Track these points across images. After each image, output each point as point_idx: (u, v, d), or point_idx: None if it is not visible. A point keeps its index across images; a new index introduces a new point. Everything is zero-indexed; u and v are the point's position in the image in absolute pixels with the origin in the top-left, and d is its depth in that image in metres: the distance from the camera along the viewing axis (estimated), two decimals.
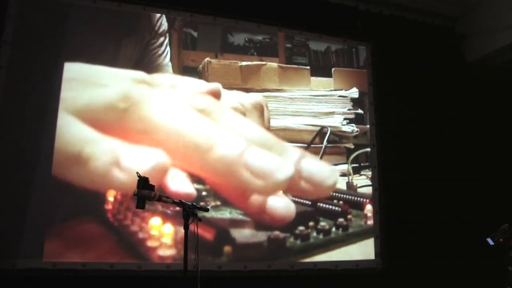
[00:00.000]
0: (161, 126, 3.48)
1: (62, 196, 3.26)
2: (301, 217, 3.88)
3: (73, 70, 3.47)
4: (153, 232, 3.41)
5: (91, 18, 3.64)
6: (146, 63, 3.72)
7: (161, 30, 3.83)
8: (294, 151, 3.95)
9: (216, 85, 3.84)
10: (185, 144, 3.50)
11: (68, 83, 3.43)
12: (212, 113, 3.66)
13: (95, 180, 3.28)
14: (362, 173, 4.29)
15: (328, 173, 4.06)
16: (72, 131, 3.32)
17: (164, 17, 3.86)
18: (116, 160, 3.28)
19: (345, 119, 4.31)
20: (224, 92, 3.88)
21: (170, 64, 3.79)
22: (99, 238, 3.29)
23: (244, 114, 3.89)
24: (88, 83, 3.46)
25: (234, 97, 3.91)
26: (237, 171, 3.58)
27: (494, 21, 4.59)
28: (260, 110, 3.98)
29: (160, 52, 3.78)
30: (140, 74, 3.64)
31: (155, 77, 3.69)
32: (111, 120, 3.39)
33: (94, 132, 3.32)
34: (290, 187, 3.82)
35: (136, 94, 3.49)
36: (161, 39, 3.81)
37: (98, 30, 3.64)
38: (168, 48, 3.82)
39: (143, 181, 2.12)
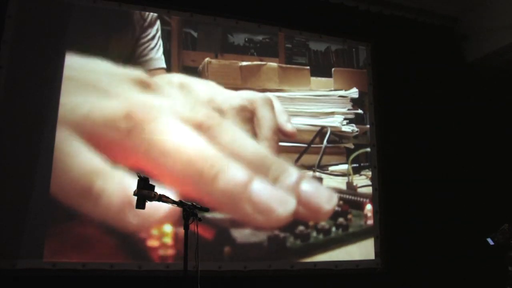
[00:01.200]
0: (165, 151, 3.44)
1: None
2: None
3: (72, 68, 3.45)
4: (153, 232, 3.41)
5: (91, 17, 3.63)
6: (137, 57, 3.68)
7: (152, 23, 3.80)
8: (293, 171, 3.90)
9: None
10: (189, 174, 3.48)
11: (67, 85, 3.41)
12: (211, 128, 3.62)
13: (108, 217, 3.26)
14: (362, 173, 4.28)
15: (326, 198, 4.00)
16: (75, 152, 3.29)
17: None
18: (129, 200, 3.15)
19: (345, 119, 4.31)
20: (231, 93, 3.88)
21: (163, 57, 3.75)
22: (99, 238, 3.28)
23: (253, 113, 3.88)
24: (88, 87, 3.43)
25: (242, 96, 3.91)
26: (240, 204, 3.59)
27: (494, 21, 4.59)
28: (270, 104, 3.98)
29: (152, 45, 3.74)
30: (139, 74, 3.61)
31: (154, 79, 3.66)
32: (114, 138, 3.36)
33: (101, 159, 3.28)
34: None
35: (138, 111, 3.44)
36: (153, 32, 3.77)
37: (96, 28, 3.63)
38: (160, 41, 3.78)
39: (143, 181, 2.11)
